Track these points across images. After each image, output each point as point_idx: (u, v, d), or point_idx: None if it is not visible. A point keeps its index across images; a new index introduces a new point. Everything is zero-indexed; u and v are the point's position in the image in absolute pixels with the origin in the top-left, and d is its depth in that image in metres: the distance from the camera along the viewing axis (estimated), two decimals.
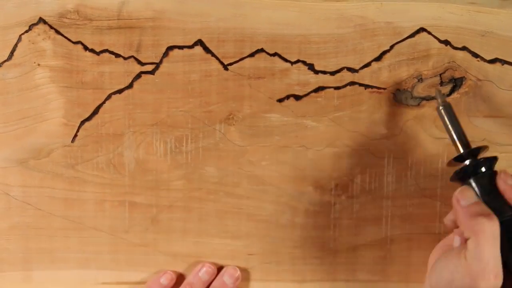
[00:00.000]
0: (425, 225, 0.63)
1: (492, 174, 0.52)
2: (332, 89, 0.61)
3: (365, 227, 0.63)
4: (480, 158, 0.54)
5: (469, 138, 0.59)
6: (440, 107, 0.56)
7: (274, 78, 0.60)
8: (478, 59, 0.60)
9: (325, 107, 0.61)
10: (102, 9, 0.59)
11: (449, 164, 0.55)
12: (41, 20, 0.58)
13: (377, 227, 0.63)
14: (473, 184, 0.52)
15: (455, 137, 0.55)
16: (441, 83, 0.61)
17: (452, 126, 0.55)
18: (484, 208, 0.50)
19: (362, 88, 0.61)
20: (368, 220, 0.63)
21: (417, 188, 0.63)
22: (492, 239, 0.48)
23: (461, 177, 0.53)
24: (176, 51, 0.60)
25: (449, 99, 0.60)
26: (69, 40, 0.59)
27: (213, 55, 0.60)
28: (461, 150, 0.54)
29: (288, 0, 0.59)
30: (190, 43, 0.59)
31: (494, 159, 0.54)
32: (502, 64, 0.60)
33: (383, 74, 0.60)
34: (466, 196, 0.52)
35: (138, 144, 0.61)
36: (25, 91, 0.60)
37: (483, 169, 0.53)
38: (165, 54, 0.60)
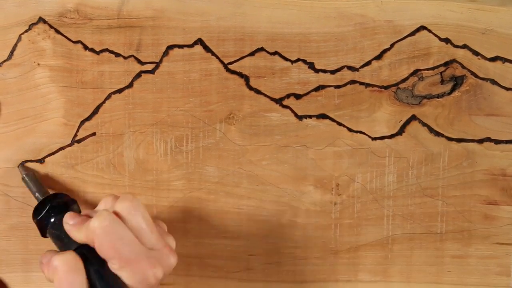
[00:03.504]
0: (427, 225, 0.63)
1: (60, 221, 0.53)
2: (332, 88, 0.61)
3: (366, 227, 0.63)
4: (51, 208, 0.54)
5: (470, 136, 0.59)
6: (25, 175, 0.59)
7: (274, 77, 0.60)
8: (479, 57, 0.60)
9: (325, 106, 0.61)
10: (102, 9, 0.58)
11: (34, 222, 0.55)
12: (41, 20, 0.58)
13: (378, 227, 0.63)
14: (51, 232, 0.53)
15: (38, 194, 0.57)
16: (442, 81, 0.60)
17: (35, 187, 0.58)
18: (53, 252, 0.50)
19: (363, 86, 0.61)
20: (369, 220, 0.63)
21: (419, 187, 0.62)
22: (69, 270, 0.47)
23: (43, 230, 0.54)
24: (176, 50, 0.60)
25: (450, 98, 0.61)
26: (69, 39, 0.59)
27: (213, 54, 0.60)
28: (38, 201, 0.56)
29: None
30: (190, 42, 0.59)
31: (68, 202, 0.55)
32: (503, 62, 0.60)
33: (384, 72, 0.60)
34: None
35: (138, 144, 0.61)
36: (25, 91, 0.60)
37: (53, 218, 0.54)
38: (165, 53, 0.59)
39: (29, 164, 0.61)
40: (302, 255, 0.64)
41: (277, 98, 0.61)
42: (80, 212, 0.55)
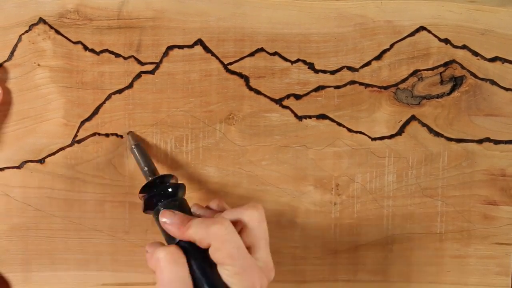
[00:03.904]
0: (426, 225, 0.63)
1: (180, 201, 0.53)
2: (332, 88, 0.61)
3: (366, 227, 0.63)
4: (168, 185, 0.54)
5: (470, 136, 0.59)
6: (135, 145, 0.59)
7: (274, 78, 0.60)
8: (478, 57, 0.60)
9: (325, 106, 0.61)
10: (102, 9, 0.59)
11: (140, 197, 0.55)
12: (41, 20, 0.58)
13: (378, 227, 0.63)
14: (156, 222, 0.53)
15: (146, 168, 0.57)
16: (441, 82, 0.61)
17: (143, 160, 0.57)
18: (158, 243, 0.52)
19: (362, 87, 0.61)
20: (369, 220, 0.63)
21: (418, 187, 0.62)
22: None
23: (150, 204, 0.54)
24: (176, 50, 0.60)
25: (449, 98, 0.61)
26: (69, 40, 0.59)
27: (213, 54, 0.60)
28: (149, 179, 0.56)
29: None
30: (190, 43, 0.60)
31: (180, 186, 0.54)
32: (502, 63, 0.60)
33: (383, 73, 0.60)
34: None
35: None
36: (25, 91, 0.60)
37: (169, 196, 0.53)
38: (165, 53, 0.60)
39: (29, 165, 0.61)
40: (302, 255, 0.64)
41: (277, 98, 0.61)
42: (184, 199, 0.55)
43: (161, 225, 0.51)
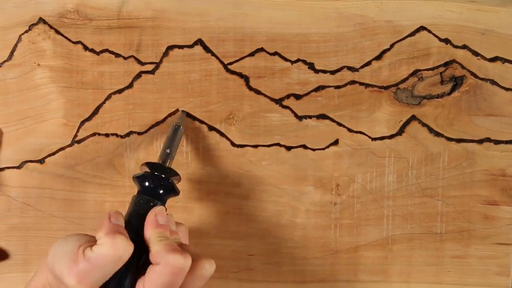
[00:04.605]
0: (427, 225, 0.63)
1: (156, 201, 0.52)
2: (332, 88, 0.61)
3: (366, 227, 0.63)
4: (171, 181, 0.53)
5: (470, 136, 0.59)
6: (178, 126, 0.57)
7: (274, 78, 0.60)
8: (479, 57, 0.60)
9: (325, 106, 0.61)
10: (102, 9, 0.59)
11: (141, 167, 0.55)
12: (41, 20, 0.58)
13: (378, 227, 0.63)
14: (136, 200, 0.52)
15: (168, 150, 0.56)
16: (442, 82, 0.60)
17: (171, 143, 0.56)
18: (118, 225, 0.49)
19: (363, 87, 0.61)
20: (369, 220, 0.63)
21: (418, 187, 0.62)
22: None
23: (147, 181, 0.52)
24: (176, 50, 0.60)
25: (449, 98, 0.61)
26: (69, 40, 0.59)
27: (213, 54, 0.60)
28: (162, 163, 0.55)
29: None
30: (190, 43, 0.59)
31: (171, 191, 0.53)
32: (503, 63, 0.60)
33: (384, 73, 0.60)
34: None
35: (138, 144, 0.61)
36: (25, 91, 0.60)
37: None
38: (165, 53, 0.60)
39: (29, 165, 0.61)
40: (302, 255, 0.64)
41: (277, 98, 0.61)
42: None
43: (148, 215, 0.50)
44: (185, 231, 0.54)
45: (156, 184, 0.52)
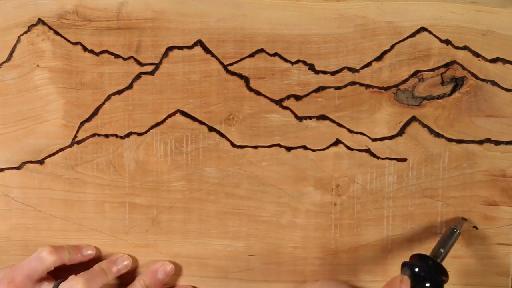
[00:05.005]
0: (427, 226, 0.63)
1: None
2: (332, 89, 0.60)
3: (366, 228, 0.63)
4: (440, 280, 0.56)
5: (470, 137, 0.59)
6: (456, 230, 0.60)
7: (274, 78, 0.60)
8: (479, 58, 0.60)
9: (325, 107, 0.61)
10: (101, 10, 0.58)
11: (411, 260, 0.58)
12: (40, 21, 0.58)
13: (378, 227, 0.63)
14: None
15: (442, 250, 0.58)
16: (442, 83, 0.60)
17: (448, 245, 0.59)
18: None
19: (363, 88, 0.60)
20: (369, 220, 0.63)
21: (418, 188, 0.62)
22: None
23: (417, 275, 0.55)
24: (175, 51, 0.59)
25: (450, 99, 0.60)
26: (68, 41, 0.59)
27: (213, 55, 0.60)
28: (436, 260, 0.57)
29: (288, 0, 0.59)
30: (190, 44, 0.59)
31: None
32: (504, 64, 0.60)
33: (384, 74, 0.60)
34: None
35: (138, 145, 0.61)
36: (24, 92, 0.60)
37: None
38: (165, 54, 0.59)
39: (28, 165, 0.61)
40: (302, 255, 0.64)
41: (277, 99, 0.61)
42: None
43: None
44: None
45: (423, 279, 0.55)
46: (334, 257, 0.64)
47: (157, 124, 0.61)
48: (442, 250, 0.58)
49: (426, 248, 0.63)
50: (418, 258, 0.57)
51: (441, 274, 0.56)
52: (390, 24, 0.59)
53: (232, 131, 0.61)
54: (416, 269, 0.55)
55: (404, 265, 0.56)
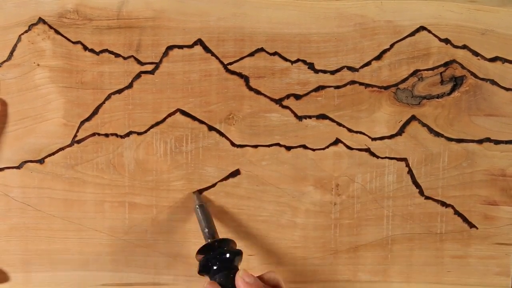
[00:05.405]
0: (426, 225, 0.63)
1: (233, 270, 0.54)
2: (332, 88, 0.61)
3: (366, 227, 0.63)
4: (225, 250, 0.56)
5: (470, 137, 0.59)
6: (201, 204, 0.60)
7: (274, 78, 0.60)
8: (479, 57, 0.60)
9: (325, 106, 0.61)
10: (102, 9, 0.58)
11: (196, 257, 0.57)
12: (41, 20, 0.58)
13: (378, 227, 0.63)
14: (217, 280, 0.54)
15: (207, 229, 0.58)
16: (442, 82, 0.60)
17: (205, 221, 0.59)
18: None
19: (363, 87, 0.61)
20: (369, 220, 0.63)
21: (418, 187, 0.62)
22: None
23: (206, 266, 0.55)
24: (176, 50, 0.60)
25: (449, 98, 0.61)
26: (68, 40, 0.59)
27: (213, 54, 0.60)
28: (208, 241, 0.57)
29: None
30: (190, 43, 0.59)
31: (237, 253, 0.56)
32: (503, 63, 0.60)
33: (383, 73, 0.60)
34: None
35: (138, 144, 0.61)
36: (24, 91, 0.60)
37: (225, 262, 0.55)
38: (165, 53, 0.59)
39: (28, 165, 0.61)
40: (302, 255, 0.64)
41: (277, 98, 0.61)
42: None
43: (236, 283, 0.53)
44: (274, 277, 0.55)
45: (212, 263, 0.55)
46: (334, 257, 0.64)
47: (157, 124, 0.61)
48: (207, 230, 0.58)
49: (426, 248, 0.63)
50: (202, 251, 0.56)
51: (226, 247, 0.56)
52: (389, 23, 0.59)
53: (232, 130, 0.61)
54: (210, 263, 0.55)
55: (202, 269, 0.56)
